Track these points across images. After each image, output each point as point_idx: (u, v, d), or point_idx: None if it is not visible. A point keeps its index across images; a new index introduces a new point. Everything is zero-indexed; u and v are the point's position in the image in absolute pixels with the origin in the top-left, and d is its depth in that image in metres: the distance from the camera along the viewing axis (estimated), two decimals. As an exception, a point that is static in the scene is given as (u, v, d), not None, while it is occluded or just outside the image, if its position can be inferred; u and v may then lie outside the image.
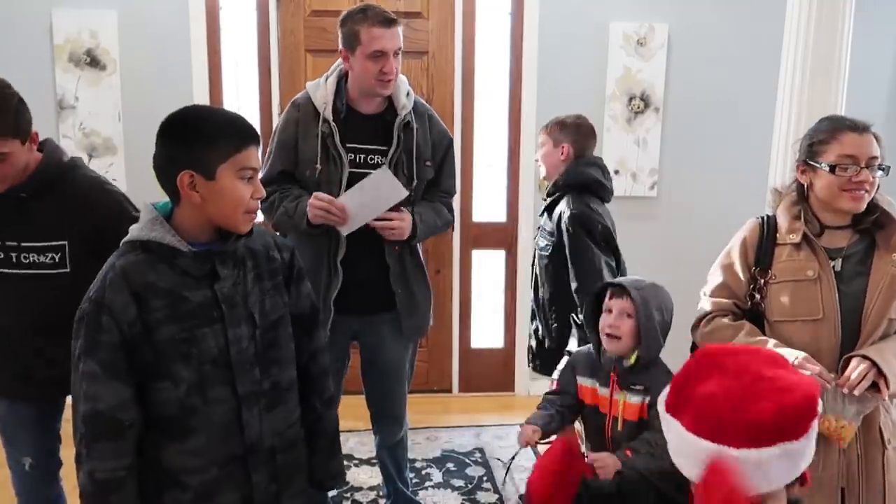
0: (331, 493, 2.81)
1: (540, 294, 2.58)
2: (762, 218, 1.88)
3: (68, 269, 1.92)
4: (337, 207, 2.11)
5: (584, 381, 2.00)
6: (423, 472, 3.11)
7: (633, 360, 1.89)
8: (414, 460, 3.16)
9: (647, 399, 1.85)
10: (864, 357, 1.66)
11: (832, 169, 1.72)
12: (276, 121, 3.57)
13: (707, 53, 3.73)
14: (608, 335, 1.91)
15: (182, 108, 1.47)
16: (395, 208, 2.18)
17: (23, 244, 1.90)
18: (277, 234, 1.61)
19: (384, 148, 2.21)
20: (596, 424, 1.97)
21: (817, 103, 2.74)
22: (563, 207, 2.44)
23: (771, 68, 3.08)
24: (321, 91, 2.20)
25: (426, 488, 2.99)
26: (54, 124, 3.50)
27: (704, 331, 1.88)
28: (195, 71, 3.55)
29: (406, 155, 2.22)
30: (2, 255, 1.91)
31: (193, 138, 1.39)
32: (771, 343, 1.74)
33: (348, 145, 2.19)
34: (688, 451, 1.07)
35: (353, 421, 3.38)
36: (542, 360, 2.58)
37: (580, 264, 2.37)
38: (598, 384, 1.97)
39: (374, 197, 2.12)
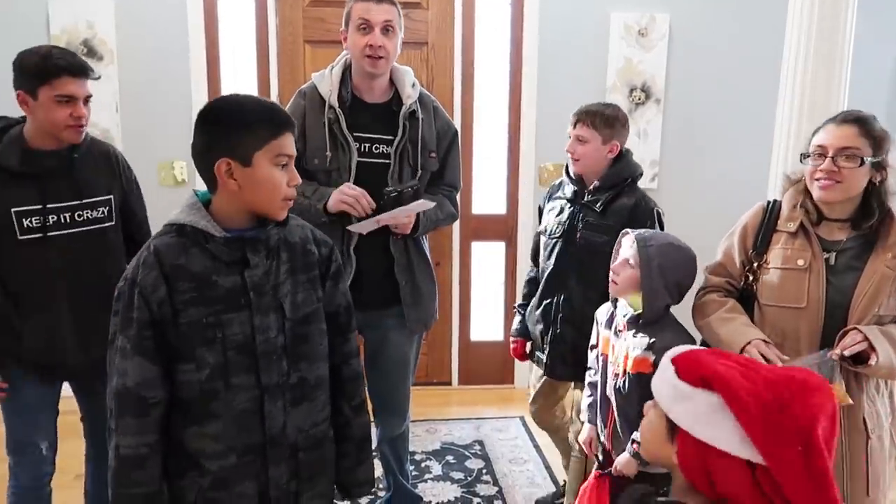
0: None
1: (573, 294, 2.34)
2: (768, 203, 1.92)
3: (114, 222, 2.11)
4: (362, 206, 2.10)
5: (603, 332, 2.05)
6: (423, 465, 3.11)
7: (637, 309, 1.92)
8: (413, 453, 3.15)
9: (653, 358, 1.84)
10: (858, 331, 1.69)
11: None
12: (275, 112, 3.61)
13: (709, 44, 3.71)
14: (612, 276, 1.97)
15: (220, 96, 1.53)
16: None
17: (81, 201, 2.03)
18: (317, 229, 1.63)
19: (390, 137, 2.20)
20: (604, 374, 2.01)
21: (820, 95, 2.72)
22: (631, 201, 2.27)
23: (773, 59, 3.05)
24: (326, 80, 2.20)
25: (426, 481, 2.98)
26: (51, 116, 3.48)
27: (696, 303, 1.97)
28: (193, 62, 3.52)
29: (411, 145, 2.22)
30: (55, 218, 2.00)
31: (231, 125, 1.39)
32: (740, 321, 1.81)
33: (354, 134, 2.19)
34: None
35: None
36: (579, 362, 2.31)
37: None
38: (612, 334, 2.00)
39: (405, 213, 2.15)
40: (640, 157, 3.70)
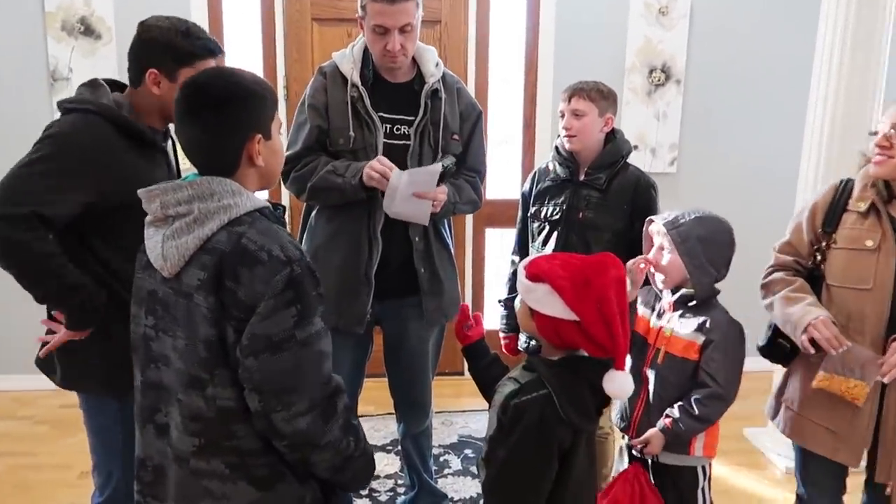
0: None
1: None
2: (841, 181, 1.88)
3: None
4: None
5: (642, 312, 1.99)
6: (442, 459, 3.01)
7: (689, 292, 1.86)
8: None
9: (702, 339, 1.82)
10: None
11: (869, 135, 1.84)
12: (282, 93, 3.48)
13: (733, 23, 3.60)
14: (654, 270, 1.91)
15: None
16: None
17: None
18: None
19: (411, 118, 2.12)
20: (638, 355, 1.95)
21: (857, 76, 2.61)
22: (632, 179, 2.25)
23: (805, 38, 2.94)
24: (348, 59, 2.12)
25: (445, 476, 2.89)
26: (47, 97, 3.33)
27: (763, 281, 1.94)
28: None
29: (433, 126, 2.14)
30: None
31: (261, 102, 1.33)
32: (807, 301, 1.78)
33: (378, 114, 2.11)
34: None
35: (364, 405, 3.28)
36: None
37: None
38: (654, 315, 1.95)
39: (416, 183, 2.04)
40: (658, 140, 3.67)
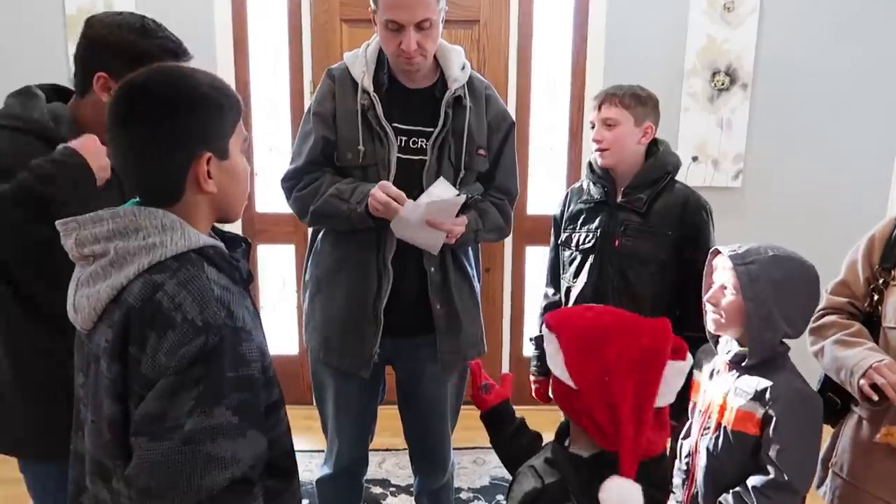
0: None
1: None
2: None
3: None
4: (392, 213, 1.77)
5: (697, 375, 1.71)
6: (470, 507, 2.73)
7: (744, 351, 1.57)
8: (459, 490, 2.78)
9: (761, 412, 1.50)
10: None
11: None
12: (308, 99, 3.28)
13: (810, 18, 3.24)
14: (710, 309, 1.60)
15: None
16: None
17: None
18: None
19: (429, 129, 1.86)
20: (690, 427, 1.68)
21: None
22: (679, 198, 1.99)
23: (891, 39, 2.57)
24: (360, 61, 1.87)
25: (473, 527, 2.60)
26: (66, 104, 3.21)
27: (812, 326, 1.74)
28: (219, 43, 3.22)
29: (454, 138, 1.87)
30: None
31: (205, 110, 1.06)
32: (866, 346, 1.60)
33: (392, 124, 1.86)
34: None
35: (390, 437, 3.01)
36: None
37: None
38: (707, 378, 1.67)
39: (432, 214, 1.78)
40: (722, 150, 3.33)
